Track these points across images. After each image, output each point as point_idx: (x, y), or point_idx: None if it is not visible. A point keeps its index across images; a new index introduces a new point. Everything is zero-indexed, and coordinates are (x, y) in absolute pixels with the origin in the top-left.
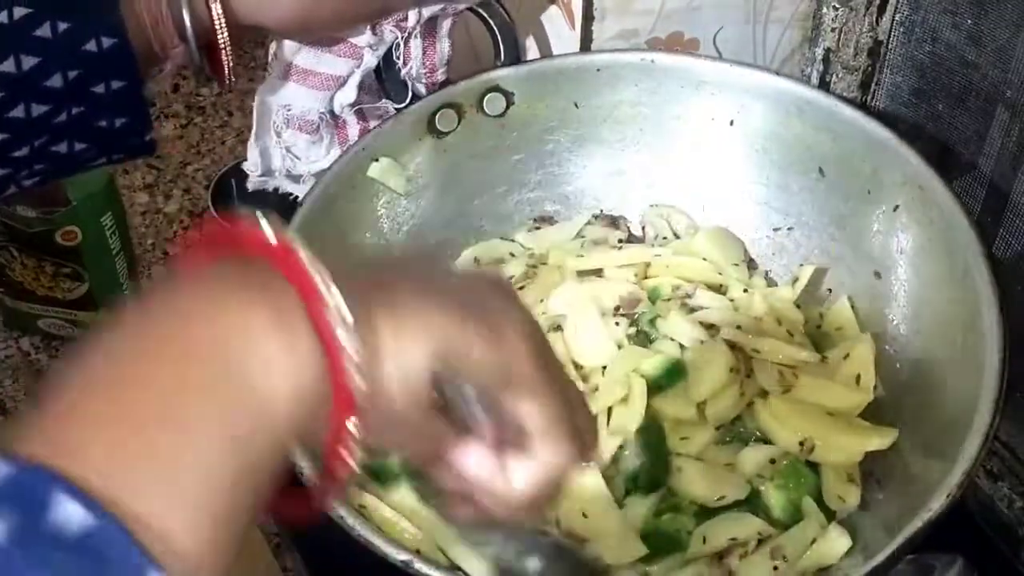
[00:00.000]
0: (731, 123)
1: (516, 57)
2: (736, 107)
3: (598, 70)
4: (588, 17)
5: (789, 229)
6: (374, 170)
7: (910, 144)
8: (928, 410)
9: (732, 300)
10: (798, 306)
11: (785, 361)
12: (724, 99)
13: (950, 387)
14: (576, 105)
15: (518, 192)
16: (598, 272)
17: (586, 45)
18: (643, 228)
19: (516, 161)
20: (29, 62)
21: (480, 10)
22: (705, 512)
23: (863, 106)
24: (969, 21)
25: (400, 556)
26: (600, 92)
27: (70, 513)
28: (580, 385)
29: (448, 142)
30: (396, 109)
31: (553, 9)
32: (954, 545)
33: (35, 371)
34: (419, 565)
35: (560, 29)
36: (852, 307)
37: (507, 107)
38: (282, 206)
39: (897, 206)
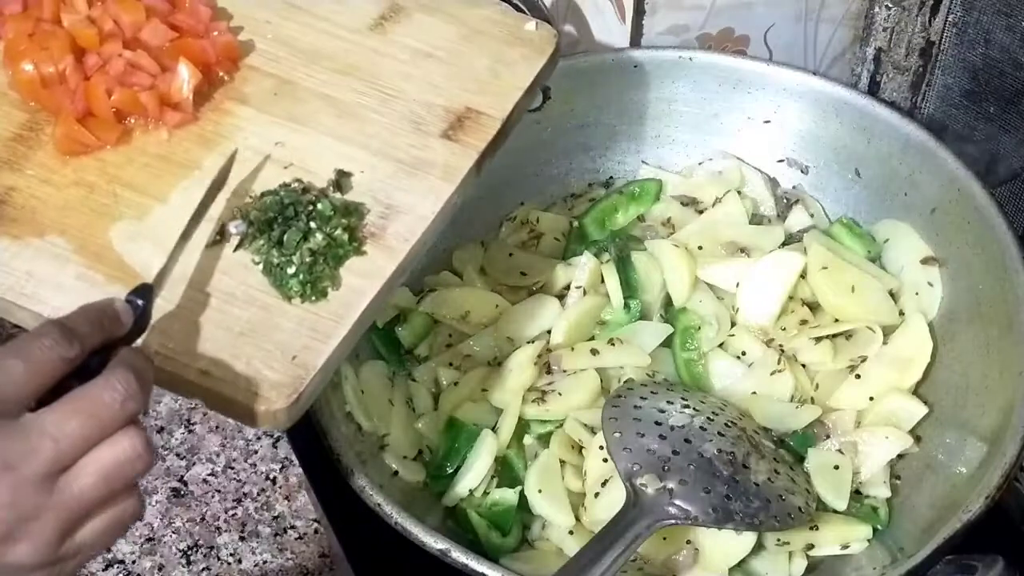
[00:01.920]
0: (767, 122)
1: None
2: (773, 107)
3: (635, 67)
4: (639, 11)
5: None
6: None
7: (948, 147)
8: (964, 411)
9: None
10: None
11: None
12: (761, 98)
13: (987, 389)
14: (612, 101)
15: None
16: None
17: (636, 40)
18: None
19: (550, 155)
20: None
21: (520, 4)
22: None
23: (900, 107)
24: None
25: (437, 545)
26: (637, 89)
27: None
28: None
29: None
30: None
31: (604, 3)
32: (994, 547)
33: None
34: (456, 554)
35: (611, 23)
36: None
37: (544, 101)
38: None
39: (934, 209)
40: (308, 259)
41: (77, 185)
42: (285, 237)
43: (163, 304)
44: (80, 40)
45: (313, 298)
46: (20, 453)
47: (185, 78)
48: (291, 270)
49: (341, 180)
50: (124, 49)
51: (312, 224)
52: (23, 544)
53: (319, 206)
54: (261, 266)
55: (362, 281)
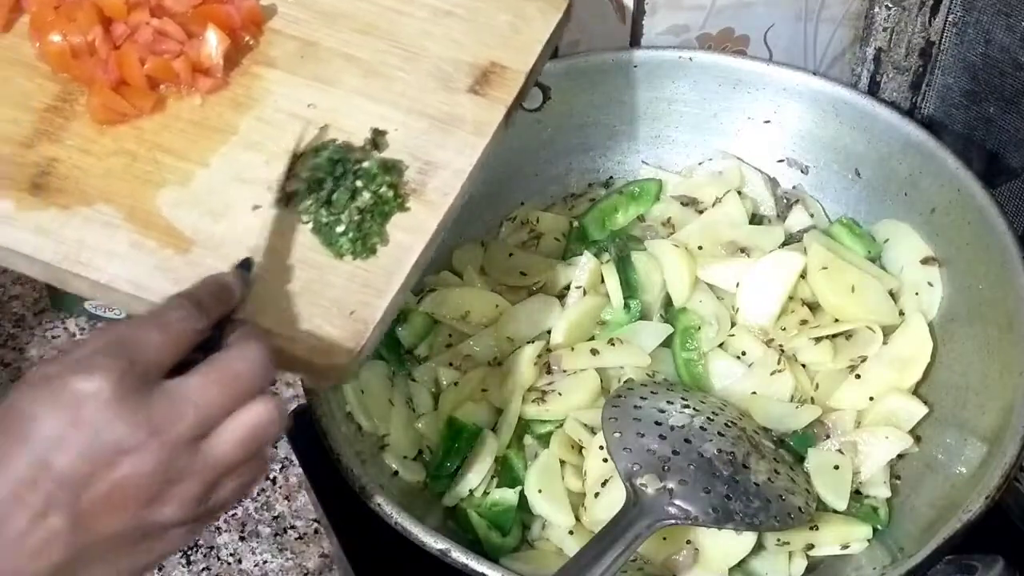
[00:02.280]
0: (767, 122)
1: (554, 51)
2: (773, 107)
3: (635, 67)
4: (639, 11)
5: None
6: None
7: (949, 147)
8: (964, 411)
9: None
10: None
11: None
12: (761, 98)
13: (987, 389)
14: (612, 101)
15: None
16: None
17: (636, 40)
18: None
19: (550, 155)
20: None
21: None
22: None
23: (900, 107)
24: None
25: (437, 545)
26: (637, 88)
27: None
28: None
29: None
30: None
31: (604, 3)
32: (994, 547)
33: None
34: (456, 554)
35: (611, 23)
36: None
37: (544, 101)
38: None
39: (934, 209)
40: (356, 217)
41: (118, 154)
42: (334, 196)
43: (218, 266)
44: (107, 10)
45: (364, 255)
46: (167, 418)
47: (214, 43)
48: (340, 228)
49: (377, 139)
50: (151, 17)
51: (359, 183)
52: (169, 505)
53: (364, 164)
54: (311, 225)
55: (409, 236)
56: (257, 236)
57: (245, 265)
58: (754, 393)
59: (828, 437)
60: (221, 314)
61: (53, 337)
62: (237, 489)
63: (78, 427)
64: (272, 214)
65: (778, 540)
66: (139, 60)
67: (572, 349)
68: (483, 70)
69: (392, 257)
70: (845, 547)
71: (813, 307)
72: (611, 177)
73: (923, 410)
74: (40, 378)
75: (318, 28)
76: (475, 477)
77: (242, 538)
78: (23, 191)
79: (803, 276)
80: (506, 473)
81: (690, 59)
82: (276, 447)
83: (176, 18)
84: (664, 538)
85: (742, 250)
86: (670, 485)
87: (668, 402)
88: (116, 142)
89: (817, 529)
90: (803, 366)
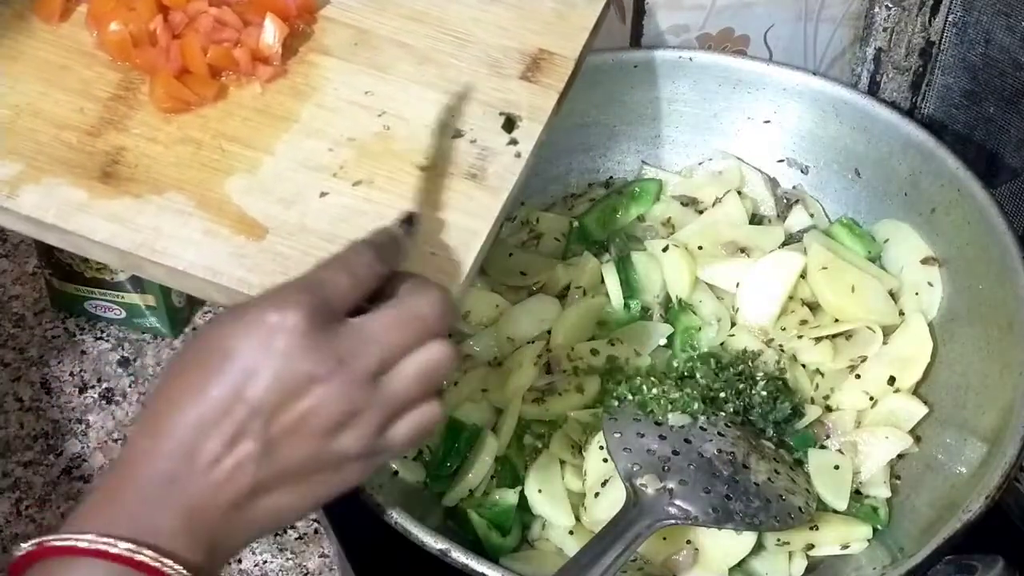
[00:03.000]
0: (767, 122)
1: None
2: (773, 107)
3: (635, 67)
4: (639, 11)
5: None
6: None
7: (948, 147)
8: (964, 411)
9: None
10: None
11: None
12: (761, 98)
13: (987, 389)
14: (612, 101)
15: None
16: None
17: (636, 40)
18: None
19: (550, 155)
20: None
21: None
22: None
23: (900, 107)
24: None
25: (437, 545)
26: (637, 88)
27: None
28: None
29: None
30: None
31: None
32: (994, 547)
33: (80, 352)
34: (456, 554)
35: (611, 23)
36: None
37: None
38: None
39: (934, 209)
40: None
41: (184, 142)
42: None
43: (296, 256)
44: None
45: None
46: (351, 352)
47: (273, 31)
48: None
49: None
50: (208, 6)
51: None
52: (349, 436)
53: None
54: None
55: (474, 221)
56: (330, 223)
57: (409, 220)
58: None
59: (828, 437)
60: (393, 264)
61: (53, 337)
62: (412, 427)
63: (270, 357)
64: (338, 199)
65: (778, 540)
66: (200, 48)
67: (572, 349)
68: (533, 57)
69: (460, 241)
70: (845, 547)
71: (813, 307)
72: (611, 177)
73: (923, 410)
74: (235, 314)
75: (369, 16)
76: (475, 477)
77: None
78: (94, 179)
79: (803, 276)
80: (506, 473)
81: (690, 59)
82: None
83: (234, 7)
84: (664, 538)
85: (742, 250)
86: (670, 485)
87: None
88: (181, 130)
89: (817, 529)
90: (803, 366)
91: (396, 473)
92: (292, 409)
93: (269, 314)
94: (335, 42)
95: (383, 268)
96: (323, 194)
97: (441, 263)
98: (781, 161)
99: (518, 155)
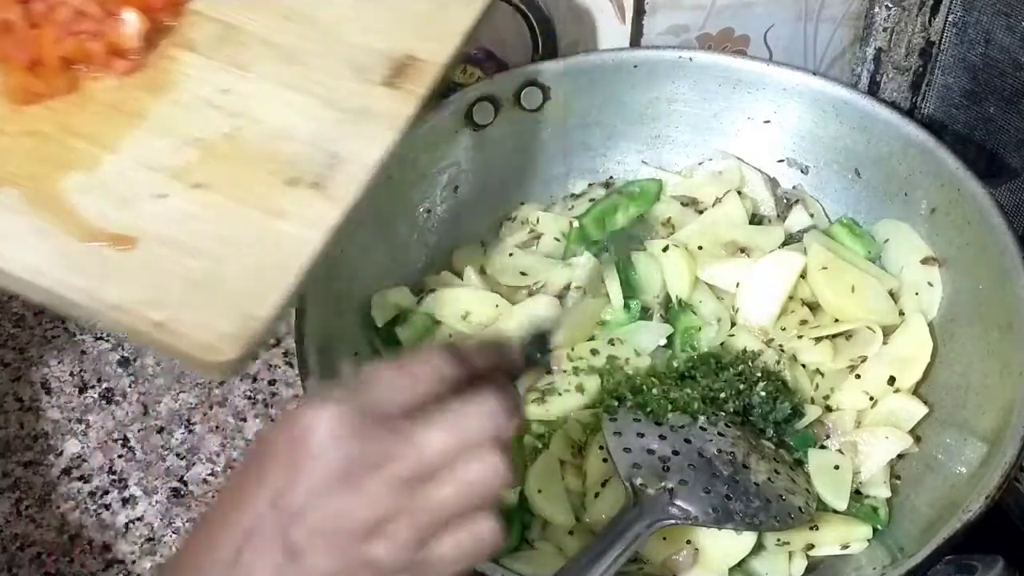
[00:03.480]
0: (767, 122)
1: (553, 51)
2: (773, 107)
3: (635, 67)
4: (639, 11)
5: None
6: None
7: (948, 147)
8: (964, 411)
9: None
10: None
11: None
12: (761, 98)
13: (987, 389)
14: (612, 101)
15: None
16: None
17: (636, 40)
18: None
19: (550, 155)
20: None
21: (519, 3)
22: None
23: (900, 107)
24: None
25: None
26: (637, 88)
27: None
28: None
29: (485, 135)
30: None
31: (604, 3)
32: (994, 547)
33: (80, 351)
34: None
35: (610, 23)
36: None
37: (544, 101)
38: None
39: (934, 209)
40: None
41: (30, 135)
42: None
43: (121, 257)
44: None
45: None
46: (385, 455)
47: (132, 25)
48: None
49: None
50: None
51: None
52: (382, 542)
53: None
54: None
55: (308, 230)
56: (165, 226)
57: (543, 340)
58: None
59: (828, 437)
60: (482, 368)
61: (53, 337)
62: (461, 544)
63: (302, 458)
64: (174, 203)
65: (778, 540)
66: (55, 40)
67: (572, 349)
68: (399, 62)
69: (289, 251)
70: (845, 547)
71: (813, 307)
72: (611, 177)
73: (923, 410)
74: (286, 414)
75: (240, 12)
76: None
77: None
78: None
79: (803, 276)
80: None
81: (690, 59)
82: None
83: None
84: (664, 538)
85: (742, 250)
86: (670, 485)
87: None
88: (29, 123)
89: (817, 529)
90: (803, 366)
91: None
92: (318, 509)
93: (308, 413)
94: (201, 37)
95: (453, 371)
96: (161, 196)
97: (264, 273)
98: (781, 161)
99: (367, 164)
